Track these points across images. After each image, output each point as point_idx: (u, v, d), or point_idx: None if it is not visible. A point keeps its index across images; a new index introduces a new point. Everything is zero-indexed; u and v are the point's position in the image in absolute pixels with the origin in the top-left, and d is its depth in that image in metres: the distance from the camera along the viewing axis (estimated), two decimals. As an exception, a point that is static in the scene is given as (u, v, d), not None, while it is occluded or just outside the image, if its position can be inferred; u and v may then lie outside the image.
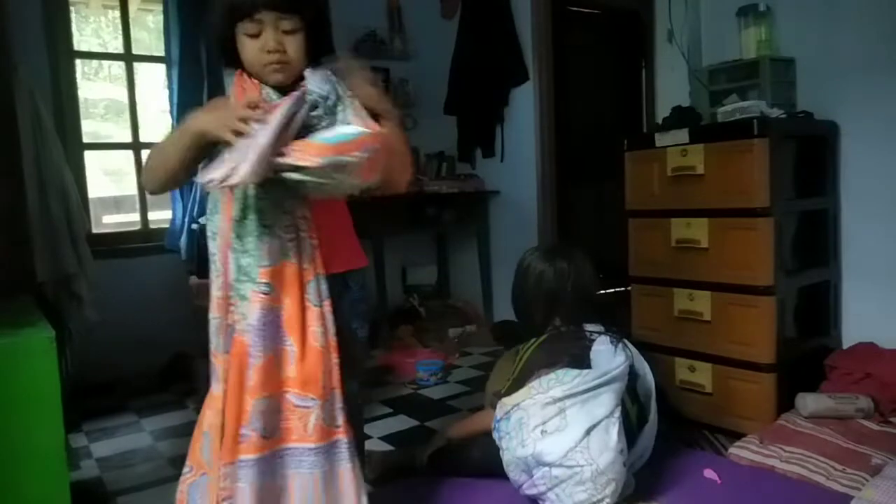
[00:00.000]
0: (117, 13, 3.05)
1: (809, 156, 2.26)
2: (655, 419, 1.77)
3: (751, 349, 2.05)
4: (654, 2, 2.98)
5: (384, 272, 3.31)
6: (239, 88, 1.21)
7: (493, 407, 1.72)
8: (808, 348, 2.21)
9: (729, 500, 1.65)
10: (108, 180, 3.42)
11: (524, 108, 3.46)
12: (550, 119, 3.42)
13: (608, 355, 1.68)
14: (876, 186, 2.27)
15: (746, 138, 2.02)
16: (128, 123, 3.07)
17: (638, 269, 2.38)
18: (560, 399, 1.57)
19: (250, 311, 1.15)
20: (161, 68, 3.02)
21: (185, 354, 2.92)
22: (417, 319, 3.49)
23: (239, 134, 1.08)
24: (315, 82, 1.17)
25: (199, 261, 2.83)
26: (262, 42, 1.17)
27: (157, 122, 3.25)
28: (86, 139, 2.96)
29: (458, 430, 1.90)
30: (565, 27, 3.82)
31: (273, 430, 1.16)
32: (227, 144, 1.10)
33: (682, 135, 2.19)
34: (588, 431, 1.53)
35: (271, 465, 1.16)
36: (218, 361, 1.18)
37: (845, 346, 2.31)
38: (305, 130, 1.12)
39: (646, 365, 1.84)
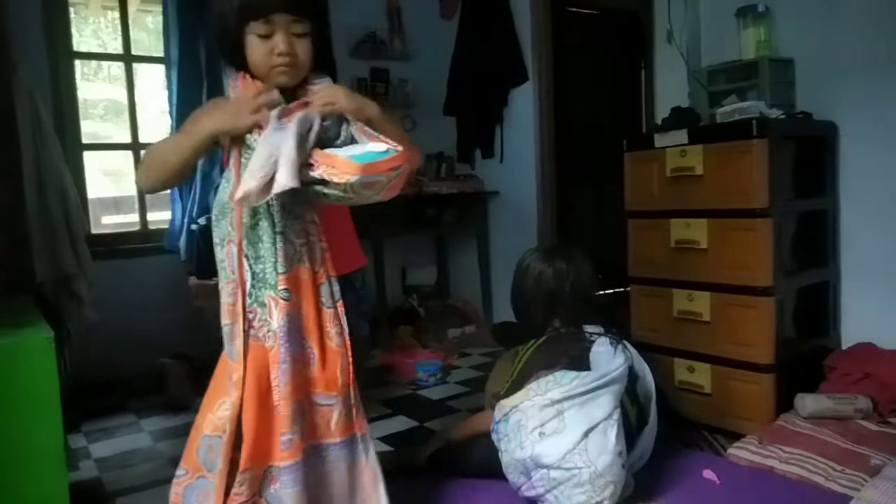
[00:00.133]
0: (117, 14, 3.05)
1: (808, 156, 2.26)
2: (655, 421, 1.77)
3: (750, 350, 2.05)
4: (654, 2, 2.98)
5: (384, 272, 3.31)
6: (242, 89, 1.22)
7: (493, 408, 1.72)
8: (807, 349, 2.21)
9: (728, 501, 1.65)
10: (108, 181, 3.42)
11: (523, 109, 3.46)
12: (550, 120, 3.42)
13: (607, 357, 1.68)
14: (875, 187, 2.27)
15: (745, 139, 2.02)
16: (127, 124, 3.07)
17: (637, 269, 2.38)
18: (558, 401, 1.57)
19: (273, 317, 1.16)
20: (160, 69, 3.02)
21: (185, 355, 2.92)
22: (417, 320, 3.49)
23: (258, 127, 1.11)
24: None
25: (199, 261, 2.83)
26: (272, 44, 1.17)
27: (156, 123, 3.25)
28: (85, 140, 2.96)
29: (458, 431, 1.90)
30: (565, 28, 3.82)
31: (303, 432, 1.19)
32: (236, 143, 1.12)
33: (682, 135, 2.19)
34: (586, 433, 1.53)
35: (308, 465, 1.19)
36: (230, 368, 1.18)
37: (844, 346, 2.31)
38: (319, 142, 1.14)
39: (645, 366, 1.84)
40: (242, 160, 1.18)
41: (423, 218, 3.42)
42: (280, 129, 1.10)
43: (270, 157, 1.07)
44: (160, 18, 2.97)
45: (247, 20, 1.17)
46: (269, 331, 1.17)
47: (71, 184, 2.42)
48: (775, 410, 2.03)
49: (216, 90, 2.94)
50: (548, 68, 3.41)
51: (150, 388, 2.79)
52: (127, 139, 3.08)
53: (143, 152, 3.10)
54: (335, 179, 1.08)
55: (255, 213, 1.17)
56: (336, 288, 1.24)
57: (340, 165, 1.09)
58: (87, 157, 2.96)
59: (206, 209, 2.93)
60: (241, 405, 1.15)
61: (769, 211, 2.00)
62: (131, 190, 3.11)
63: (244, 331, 1.17)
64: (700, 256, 2.15)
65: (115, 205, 3.41)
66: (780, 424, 1.96)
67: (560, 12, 3.66)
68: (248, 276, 1.17)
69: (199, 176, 2.83)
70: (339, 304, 1.24)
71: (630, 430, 1.67)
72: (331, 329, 1.23)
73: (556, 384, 1.59)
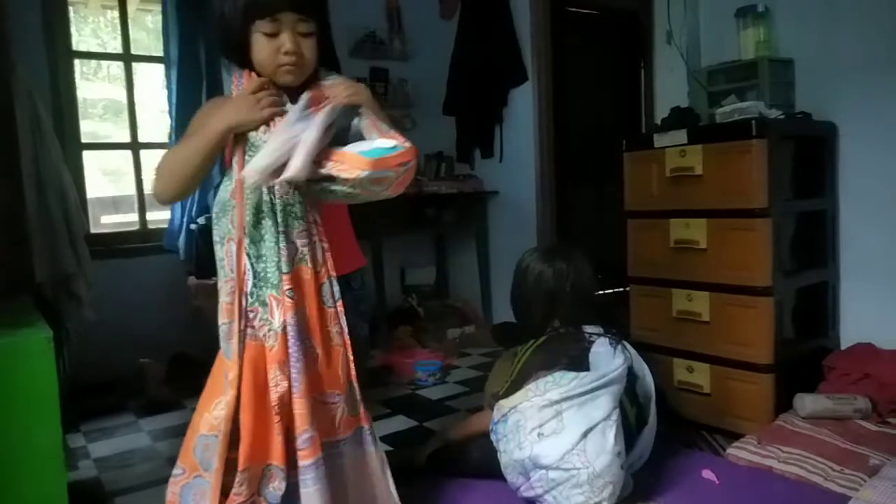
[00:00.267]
0: (116, 13, 3.05)
1: (808, 156, 2.26)
2: (655, 421, 1.77)
3: (749, 350, 2.05)
4: (653, 3, 2.98)
5: (383, 272, 3.31)
6: (247, 86, 1.21)
7: (492, 408, 1.72)
8: (806, 349, 2.22)
9: (727, 501, 1.65)
10: (107, 180, 3.42)
11: (523, 109, 3.46)
12: (549, 119, 3.42)
13: (607, 357, 1.68)
14: (874, 187, 2.27)
15: (745, 139, 2.02)
16: (126, 123, 3.07)
17: (637, 269, 2.38)
18: (557, 402, 1.57)
19: (274, 316, 1.16)
20: (160, 68, 3.02)
21: (184, 354, 2.92)
22: (416, 320, 3.49)
23: (270, 118, 1.12)
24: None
25: (198, 261, 2.83)
26: (279, 43, 1.17)
27: (155, 123, 3.25)
28: (84, 139, 2.96)
29: (458, 432, 1.90)
30: (564, 28, 3.82)
31: (320, 430, 1.20)
32: (239, 142, 1.13)
33: (681, 135, 2.19)
34: (585, 434, 1.53)
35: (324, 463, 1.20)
36: (226, 367, 1.17)
37: (843, 346, 2.32)
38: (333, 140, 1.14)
39: (645, 366, 1.84)
40: (246, 158, 1.18)
41: (423, 218, 3.42)
42: (305, 117, 1.11)
43: (288, 142, 1.07)
44: (160, 18, 2.97)
45: (253, 18, 1.17)
46: (269, 330, 1.17)
47: (70, 183, 2.41)
48: (774, 410, 2.03)
49: (216, 89, 2.95)
50: (547, 68, 3.41)
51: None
52: (126, 139, 3.08)
53: (142, 152, 3.11)
54: (344, 175, 1.08)
55: (258, 211, 1.17)
56: (336, 288, 1.25)
57: (349, 161, 1.09)
58: (87, 156, 2.96)
59: (205, 209, 2.93)
60: (236, 404, 1.15)
61: (768, 211, 2.00)
62: (130, 189, 3.11)
63: (241, 330, 1.17)
64: (699, 256, 2.15)
65: (115, 204, 3.40)
66: (779, 424, 1.96)
67: (559, 12, 3.66)
68: (248, 274, 1.17)
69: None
70: (339, 303, 1.25)
71: (629, 431, 1.67)
72: (332, 328, 1.24)
73: (554, 385, 1.59)
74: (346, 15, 3.27)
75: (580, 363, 1.68)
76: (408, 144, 1.13)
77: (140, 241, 3.04)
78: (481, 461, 1.73)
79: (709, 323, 2.14)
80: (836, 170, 2.35)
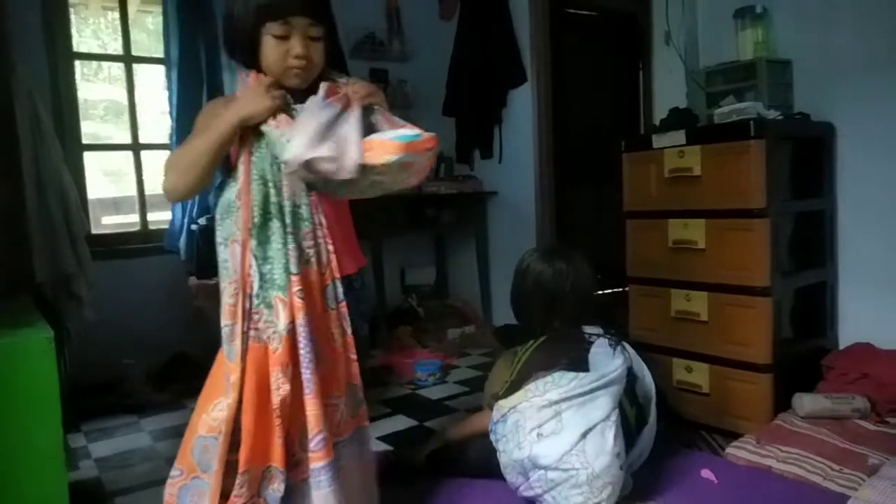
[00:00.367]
0: (117, 14, 3.06)
1: (806, 157, 2.26)
2: (655, 421, 1.77)
3: (748, 350, 2.05)
4: (652, 4, 2.99)
5: (383, 273, 3.32)
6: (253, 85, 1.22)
7: (492, 408, 1.72)
8: (804, 349, 2.22)
9: (726, 501, 1.66)
10: (108, 181, 3.42)
11: (522, 110, 3.47)
12: (548, 120, 3.43)
13: (606, 358, 1.68)
14: (872, 188, 2.27)
15: (743, 139, 2.02)
16: (127, 124, 3.07)
17: (635, 269, 2.39)
18: (556, 402, 1.57)
19: (280, 318, 1.16)
20: (160, 69, 3.03)
21: (185, 355, 2.92)
22: (416, 320, 3.50)
23: (273, 116, 1.14)
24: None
25: (199, 261, 2.83)
26: (289, 46, 1.18)
27: (156, 124, 3.25)
28: (85, 140, 2.97)
29: (457, 432, 1.91)
30: (563, 29, 3.83)
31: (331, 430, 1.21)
32: (245, 143, 1.15)
33: (680, 136, 2.19)
34: (584, 435, 1.53)
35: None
36: (228, 369, 1.17)
37: (842, 346, 2.32)
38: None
39: (644, 367, 1.84)
40: (253, 159, 1.18)
41: (423, 218, 3.42)
42: (326, 107, 1.11)
43: (322, 127, 1.08)
44: (160, 19, 2.98)
45: (265, 20, 1.18)
46: (274, 332, 1.16)
47: (71, 184, 2.42)
48: (773, 410, 2.03)
49: (216, 90, 2.95)
50: (546, 69, 3.42)
51: (150, 387, 2.79)
52: (127, 140, 3.09)
53: (143, 153, 3.11)
54: (373, 161, 1.09)
55: (265, 212, 1.17)
56: (340, 289, 1.25)
57: (379, 147, 1.09)
58: (87, 157, 2.96)
59: (206, 209, 2.94)
60: (238, 407, 1.15)
61: (767, 211, 2.00)
62: (131, 190, 3.12)
63: (244, 332, 1.16)
64: (698, 257, 2.16)
65: (115, 205, 3.41)
66: (778, 424, 1.97)
67: (558, 14, 3.67)
68: (255, 276, 1.17)
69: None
70: (342, 304, 1.26)
71: (629, 431, 1.67)
72: (335, 329, 1.24)
73: (554, 385, 1.60)
74: (346, 16, 3.27)
75: (580, 364, 1.68)
76: (430, 133, 1.15)
77: (141, 242, 3.04)
78: (481, 461, 1.74)
79: (707, 323, 2.14)
80: (835, 170, 2.36)
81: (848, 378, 2.09)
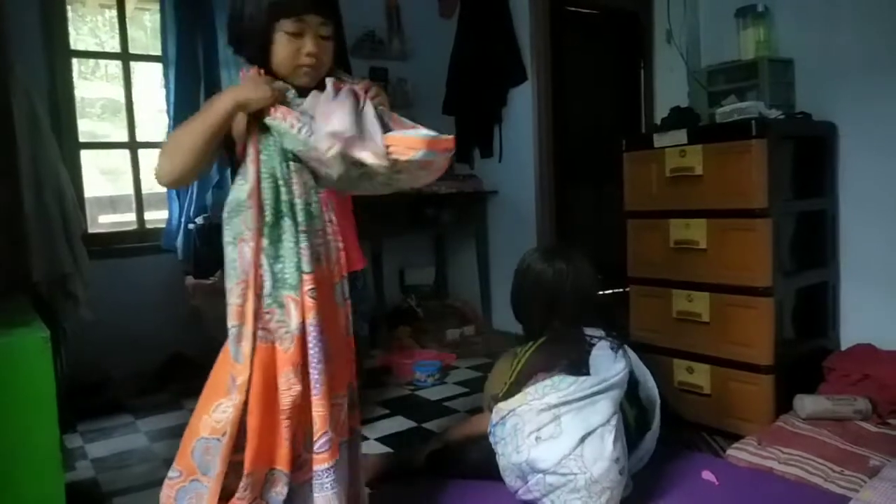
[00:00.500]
0: (114, 12, 3.04)
1: (808, 157, 2.26)
2: (658, 426, 1.76)
3: (749, 350, 2.04)
4: (653, 2, 2.98)
5: (382, 273, 3.31)
6: None
7: (491, 410, 1.71)
8: (806, 350, 2.21)
9: (727, 502, 1.65)
10: (105, 180, 3.41)
11: (522, 109, 3.46)
12: (549, 119, 3.42)
13: (607, 361, 1.67)
14: (874, 187, 2.27)
15: (745, 139, 2.01)
16: (124, 123, 3.06)
17: (636, 270, 2.38)
18: (555, 406, 1.56)
19: (292, 317, 1.15)
20: (158, 67, 3.01)
21: (182, 355, 2.91)
22: (416, 320, 3.49)
23: (273, 107, 1.12)
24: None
25: (196, 261, 2.82)
26: (300, 44, 1.18)
27: (153, 122, 3.24)
28: (82, 138, 2.95)
29: (457, 433, 1.90)
30: (564, 27, 3.82)
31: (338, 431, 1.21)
32: (252, 139, 1.14)
33: (681, 135, 2.18)
34: (583, 439, 1.52)
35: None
36: (235, 370, 1.16)
37: (843, 347, 2.31)
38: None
39: (646, 371, 1.83)
40: (262, 158, 1.16)
41: (422, 218, 3.41)
42: (344, 99, 1.11)
43: (351, 115, 1.08)
44: (158, 17, 2.96)
45: (279, 17, 1.17)
46: (286, 332, 1.15)
47: (68, 183, 2.40)
48: (774, 411, 2.02)
49: (214, 89, 2.94)
50: (547, 68, 3.41)
51: (146, 388, 2.78)
52: (124, 138, 3.07)
53: (140, 151, 3.10)
54: (399, 157, 1.08)
55: (277, 210, 1.16)
56: (347, 287, 1.25)
57: (402, 143, 1.08)
58: (85, 155, 2.95)
59: (203, 208, 2.93)
60: (243, 408, 1.14)
61: (768, 211, 1.99)
62: (128, 189, 3.10)
63: (252, 333, 1.15)
64: (699, 257, 2.15)
65: (112, 204, 3.40)
66: (779, 425, 1.96)
67: (559, 12, 3.66)
68: (266, 276, 1.15)
69: (196, 175, 2.83)
70: (348, 303, 1.26)
71: (629, 434, 1.66)
72: (341, 328, 1.25)
73: (553, 389, 1.58)
74: (346, 14, 3.20)
75: (580, 366, 1.67)
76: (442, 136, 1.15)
77: (138, 241, 3.03)
78: (481, 462, 1.73)
79: (709, 323, 2.13)
80: (836, 170, 2.35)
81: (849, 379, 2.09)
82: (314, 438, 1.16)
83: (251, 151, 1.16)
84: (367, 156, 1.07)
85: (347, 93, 1.13)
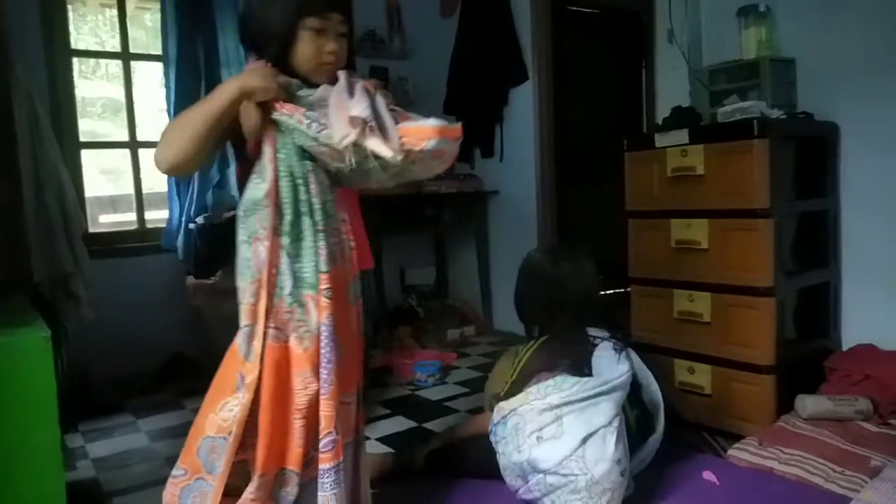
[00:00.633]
0: (115, 11, 3.04)
1: (809, 157, 2.25)
2: (662, 430, 1.76)
3: (750, 351, 2.04)
4: (655, 2, 2.98)
5: (383, 272, 3.31)
6: None
7: (492, 409, 1.71)
8: (807, 350, 2.21)
9: (728, 502, 1.65)
10: (105, 179, 3.41)
11: (523, 108, 3.46)
12: (550, 119, 3.42)
13: (610, 362, 1.66)
14: (876, 187, 2.27)
15: (746, 139, 2.01)
16: (125, 122, 3.06)
17: (638, 270, 2.38)
18: (557, 406, 1.56)
19: (311, 317, 1.16)
20: (158, 67, 3.01)
21: (182, 354, 2.91)
22: (416, 320, 3.49)
23: (276, 101, 1.11)
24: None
25: (196, 261, 2.82)
26: (323, 41, 1.18)
27: (154, 121, 3.24)
28: (83, 138, 2.95)
29: (459, 432, 1.90)
30: (565, 27, 3.81)
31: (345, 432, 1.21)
32: (269, 135, 1.14)
33: (682, 135, 2.18)
34: (584, 440, 1.52)
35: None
36: (245, 369, 1.15)
37: (845, 347, 2.31)
38: None
39: (649, 373, 1.82)
40: (279, 156, 1.15)
41: (423, 217, 3.41)
42: (360, 90, 1.12)
43: (369, 105, 1.08)
44: (158, 16, 2.96)
45: (305, 14, 1.17)
46: (306, 331, 1.15)
47: (68, 182, 2.41)
48: (775, 412, 2.02)
49: (214, 88, 2.93)
50: (548, 67, 3.40)
51: (147, 387, 2.78)
52: (125, 137, 3.07)
53: (141, 151, 3.10)
54: (413, 147, 1.08)
55: (296, 209, 1.16)
56: (359, 286, 1.26)
57: (414, 133, 1.09)
58: (85, 155, 2.95)
59: (203, 208, 2.93)
60: (250, 407, 1.13)
61: (770, 211, 1.99)
62: (129, 189, 3.10)
63: (264, 332, 1.14)
64: (701, 257, 2.15)
65: (113, 203, 3.40)
66: (781, 426, 1.96)
67: (560, 11, 3.65)
68: (287, 275, 1.15)
69: (196, 174, 2.83)
70: (359, 302, 1.26)
71: (630, 436, 1.66)
72: (353, 327, 1.25)
73: (555, 389, 1.58)
74: (347, 13, 3.26)
75: (581, 366, 1.67)
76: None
77: (138, 241, 3.03)
78: (481, 461, 1.73)
79: (710, 324, 2.13)
80: (838, 170, 2.35)
81: (851, 380, 2.08)
82: (319, 437, 1.16)
83: (268, 150, 1.15)
84: (383, 149, 1.07)
85: (361, 87, 1.13)
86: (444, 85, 3.69)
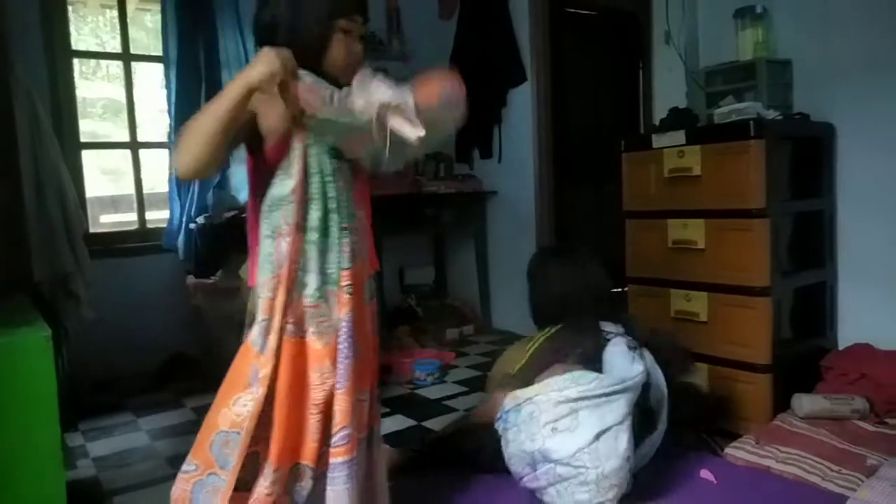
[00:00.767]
0: (115, 12, 3.05)
1: (805, 157, 2.26)
2: (664, 429, 1.77)
3: (747, 350, 2.05)
4: (652, 3, 2.98)
5: (382, 272, 3.30)
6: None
7: (503, 389, 1.72)
8: (804, 349, 2.22)
9: (725, 501, 1.66)
10: (106, 180, 3.42)
11: (522, 109, 3.46)
12: (548, 120, 3.43)
13: (623, 360, 1.68)
14: (872, 188, 2.28)
15: (743, 139, 2.02)
16: (125, 123, 3.07)
17: (635, 269, 2.39)
18: (574, 400, 1.57)
19: (333, 312, 1.17)
20: (159, 68, 3.02)
21: (183, 354, 2.92)
22: (415, 319, 3.50)
23: (283, 87, 1.11)
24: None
25: (197, 260, 2.83)
26: (350, 42, 1.22)
27: (154, 122, 3.25)
28: (83, 138, 2.96)
29: (473, 420, 1.90)
30: (563, 28, 3.82)
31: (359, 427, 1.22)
32: (299, 135, 1.15)
33: (679, 136, 2.19)
34: (598, 436, 1.53)
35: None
36: (259, 363, 1.15)
37: (841, 347, 2.32)
38: None
39: (659, 374, 1.83)
40: (311, 152, 1.16)
41: (422, 218, 3.42)
42: (381, 77, 1.15)
43: (390, 88, 1.12)
44: (159, 17, 2.97)
45: (337, 16, 1.20)
46: (329, 326, 1.17)
47: (69, 183, 2.41)
48: (772, 410, 2.03)
49: (215, 89, 2.94)
50: (546, 69, 3.41)
51: (147, 387, 2.79)
52: (125, 138, 3.08)
53: (141, 151, 3.11)
54: (430, 101, 1.12)
55: (325, 206, 1.17)
56: (373, 286, 1.29)
57: (425, 89, 1.13)
58: (86, 155, 2.96)
59: (204, 208, 2.93)
60: (264, 401, 1.14)
61: (766, 211, 2.00)
62: (130, 189, 3.11)
63: (281, 327, 1.15)
64: (697, 257, 2.16)
65: (114, 204, 3.41)
66: (777, 424, 1.97)
67: (558, 13, 3.66)
68: (313, 270, 1.17)
69: (197, 175, 2.84)
70: (374, 300, 1.29)
71: (633, 432, 1.67)
72: (368, 324, 1.26)
73: (573, 383, 1.60)
74: (346, 15, 3.27)
75: (592, 359, 1.68)
76: None
77: (139, 241, 3.04)
78: (484, 449, 1.74)
79: (707, 323, 2.14)
80: (834, 170, 2.36)
81: (847, 379, 2.09)
82: (333, 432, 1.17)
83: (297, 146, 1.16)
84: (406, 129, 1.11)
85: (381, 77, 1.17)
86: (443, 86, 3.69)
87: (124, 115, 3.06)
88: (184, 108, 2.90)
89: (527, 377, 1.70)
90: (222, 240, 2.74)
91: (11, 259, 1.79)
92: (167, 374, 2.87)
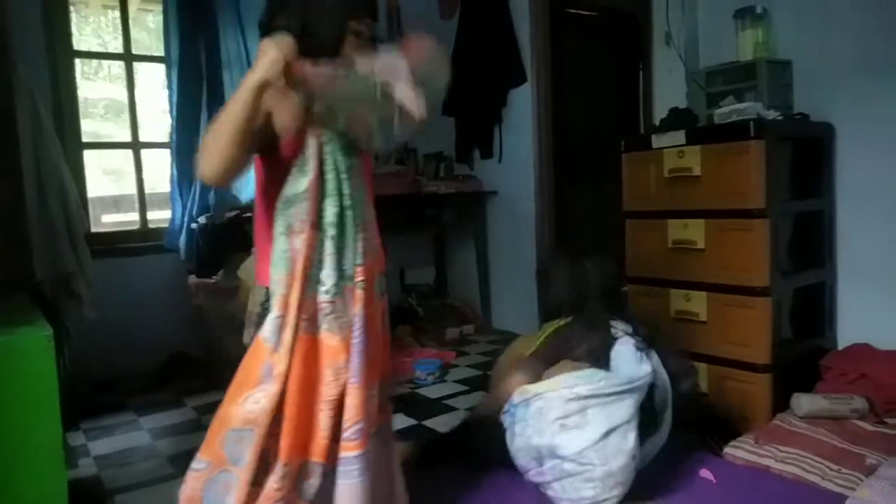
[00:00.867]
0: (117, 13, 3.06)
1: (805, 157, 2.27)
2: (667, 430, 1.78)
3: (747, 350, 2.06)
4: (652, 4, 2.99)
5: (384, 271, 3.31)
6: None
7: (517, 371, 1.73)
8: (803, 349, 2.22)
9: (724, 501, 1.66)
10: (108, 180, 3.43)
11: (522, 110, 3.47)
12: (548, 120, 3.43)
13: (632, 360, 1.68)
14: (872, 188, 2.28)
15: (743, 140, 2.02)
16: (127, 123, 3.07)
17: (635, 269, 2.39)
18: (585, 397, 1.58)
19: (348, 309, 1.19)
20: (160, 68, 3.03)
21: (184, 353, 2.93)
22: (415, 319, 3.50)
23: (289, 78, 1.12)
24: None
25: (198, 260, 2.84)
26: (362, 44, 1.24)
27: (156, 122, 3.26)
28: (85, 139, 2.97)
29: (487, 408, 1.91)
30: (563, 29, 3.82)
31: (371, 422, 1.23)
32: (313, 130, 1.16)
33: (679, 136, 2.20)
34: (607, 434, 1.54)
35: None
36: (273, 360, 1.15)
37: (840, 346, 2.32)
38: None
39: (665, 375, 1.84)
40: (327, 149, 1.17)
41: (422, 218, 3.43)
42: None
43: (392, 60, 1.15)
44: (160, 18, 2.98)
45: (350, 17, 1.22)
46: (345, 321, 1.18)
47: (71, 183, 2.42)
48: (772, 410, 2.03)
49: (216, 89, 2.96)
50: (546, 69, 3.42)
51: (148, 386, 2.80)
52: (127, 138, 3.09)
53: (143, 151, 3.11)
54: (422, 58, 1.15)
55: (341, 203, 1.18)
56: (384, 283, 1.30)
57: (415, 52, 1.15)
58: (88, 155, 2.97)
59: (205, 208, 2.94)
60: (279, 398, 1.14)
61: (766, 211, 2.01)
62: (131, 189, 3.12)
63: (295, 323, 1.15)
64: (697, 257, 2.16)
65: (115, 203, 3.41)
66: (777, 424, 1.97)
67: (559, 13, 3.66)
68: (329, 266, 1.17)
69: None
70: (385, 296, 1.30)
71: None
72: (379, 320, 1.28)
73: (583, 380, 1.61)
74: (346, 15, 3.27)
75: (599, 355, 1.69)
76: None
77: (141, 241, 3.05)
78: (488, 441, 1.75)
79: (706, 323, 2.14)
80: (834, 171, 2.36)
81: (846, 378, 2.09)
82: (345, 426, 1.17)
83: (312, 143, 1.16)
84: (409, 99, 1.13)
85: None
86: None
87: (126, 115, 3.07)
88: (185, 108, 2.91)
89: (536, 366, 1.72)
90: (224, 240, 2.75)
91: (13, 259, 1.80)
92: (168, 374, 2.87)
